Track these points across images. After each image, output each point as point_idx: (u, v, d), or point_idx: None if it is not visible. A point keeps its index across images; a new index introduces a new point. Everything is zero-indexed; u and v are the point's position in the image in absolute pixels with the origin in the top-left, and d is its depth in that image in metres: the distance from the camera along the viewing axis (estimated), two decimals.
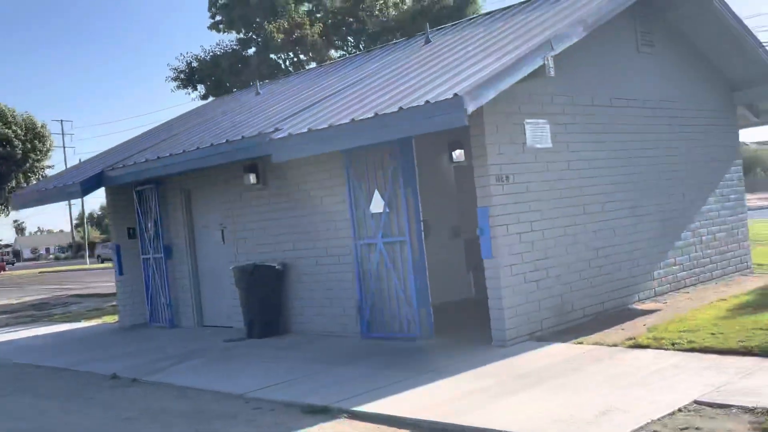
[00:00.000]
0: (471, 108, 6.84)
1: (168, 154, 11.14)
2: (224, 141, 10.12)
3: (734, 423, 5.02)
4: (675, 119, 11.34)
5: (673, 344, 7.39)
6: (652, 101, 10.89)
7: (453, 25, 13.00)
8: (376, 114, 7.58)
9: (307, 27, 26.95)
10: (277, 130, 9.15)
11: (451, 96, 6.88)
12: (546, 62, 7.64)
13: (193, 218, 12.78)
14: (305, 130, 8.40)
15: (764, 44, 12.18)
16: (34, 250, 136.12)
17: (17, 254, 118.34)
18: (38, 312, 21.29)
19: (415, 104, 7.27)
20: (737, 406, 5.29)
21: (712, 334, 7.54)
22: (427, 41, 11.64)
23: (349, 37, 30.83)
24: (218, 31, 30.33)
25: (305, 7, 29.57)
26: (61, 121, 71.19)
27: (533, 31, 8.84)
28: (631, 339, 7.86)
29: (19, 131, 38.71)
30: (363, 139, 7.89)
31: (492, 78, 7.10)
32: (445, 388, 6.82)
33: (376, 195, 9.36)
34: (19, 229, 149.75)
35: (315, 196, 10.32)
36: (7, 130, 34.95)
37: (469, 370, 7.39)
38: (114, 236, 14.54)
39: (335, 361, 8.63)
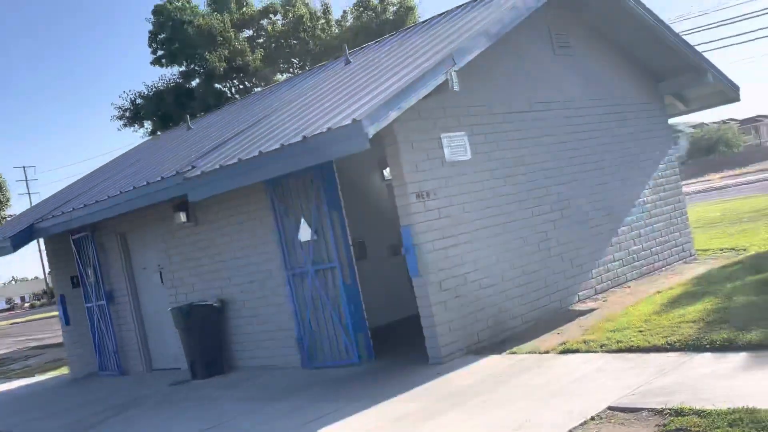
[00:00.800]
0: (372, 131, 6.80)
1: (93, 201, 10.98)
2: (145, 183, 9.98)
3: (642, 427, 5.00)
4: (601, 116, 11.43)
5: (601, 346, 7.39)
6: (575, 101, 10.96)
7: (375, 42, 13.01)
8: (282, 145, 7.52)
9: (248, 54, 26.87)
10: (192, 168, 9.04)
11: (350, 122, 6.83)
12: (449, 77, 7.62)
13: (132, 261, 12.59)
14: (217, 166, 8.30)
15: (681, 34, 12.33)
16: (8, 300, 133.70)
17: None
18: None
19: (317, 132, 7.22)
20: (647, 408, 5.27)
21: (640, 331, 7.54)
22: (347, 62, 11.61)
23: (293, 59, 30.80)
24: (161, 65, 30.14)
25: (245, 33, 29.50)
26: (24, 167, 70.41)
27: (438, 46, 8.85)
28: (563, 344, 7.84)
29: None
30: (272, 171, 7.82)
31: (391, 99, 7.06)
32: (374, 415, 6.74)
33: (303, 223, 9.29)
34: None
35: (245, 228, 10.21)
36: None
37: (401, 393, 7.31)
38: (57, 286, 14.32)
39: (272, 397, 8.50)
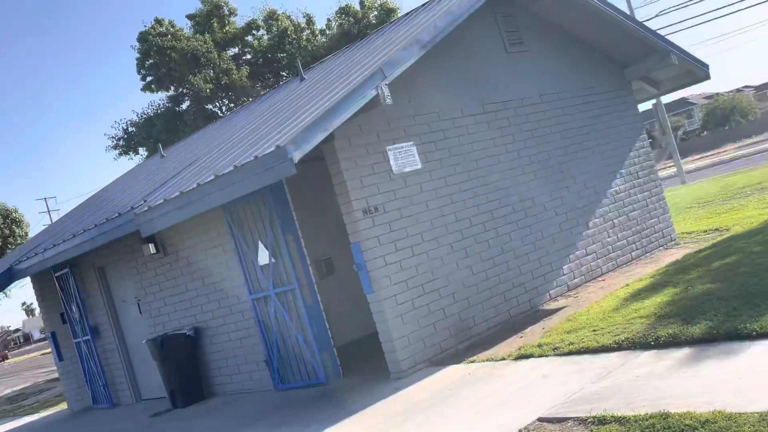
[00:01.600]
0: (297, 156, 6.76)
1: (61, 241, 11.05)
2: (104, 220, 10.02)
3: None
4: (564, 109, 11.32)
5: (554, 349, 7.30)
6: (533, 98, 10.86)
7: (333, 55, 12.98)
8: (216, 176, 7.50)
9: (234, 72, 26.97)
10: (143, 202, 9.07)
11: (274, 148, 6.81)
12: (380, 91, 7.56)
13: (112, 294, 12.66)
14: (161, 201, 8.32)
15: (639, 19, 12.16)
16: (43, 330, 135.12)
17: (27, 337, 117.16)
18: (10, 405, 21.20)
19: (246, 161, 7.19)
20: (574, 418, 5.19)
21: (594, 330, 7.45)
22: (302, 79, 11.59)
23: (282, 72, 30.86)
24: (151, 91, 30.32)
25: (231, 52, 29.60)
26: (45, 198, 71.21)
27: (376, 59, 8.79)
28: (520, 349, 7.75)
29: None
30: (212, 202, 7.79)
31: (315, 123, 7.01)
32: None
33: (261, 246, 9.27)
34: (29, 310, 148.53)
35: (209, 255, 10.22)
36: None
37: (358, 412, 7.29)
38: (47, 324, 14.43)
39: (243, 422, 8.51)
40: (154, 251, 10.89)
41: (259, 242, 9.28)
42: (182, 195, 7.91)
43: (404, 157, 8.86)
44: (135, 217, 8.70)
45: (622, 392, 5.45)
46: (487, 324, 9.23)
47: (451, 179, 9.36)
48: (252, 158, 7.07)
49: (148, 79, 29.42)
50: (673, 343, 6.31)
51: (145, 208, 8.54)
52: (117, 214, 9.71)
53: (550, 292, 10.20)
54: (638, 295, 8.54)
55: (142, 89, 30.22)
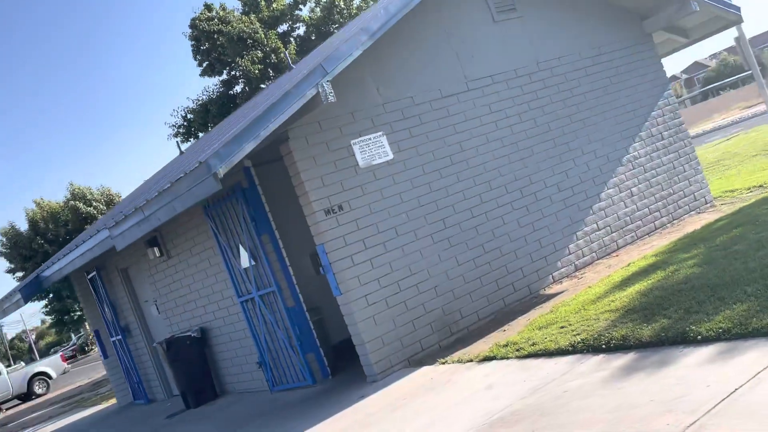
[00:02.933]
0: (223, 170, 6.53)
1: (68, 250, 11.32)
2: (96, 231, 10.18)
3: None
4: (566, 75, 10.60)
5: (517, 350, 6.89)
6: (527, 67, 10.21)
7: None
8: (159, 192, 7.40)
9: (282, 50, 26.88)
10: (116, 216, 9.12)
11: (196, 164, 6.62)
12: (320, 89, 7.21)
13: (136, 295, 12.96)
14: (122, 217, 8.32)
15: None
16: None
17: (83, 348, 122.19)
18: (78, 396, 22.42)
19: (178, 177, 7.04)
20: None
21: (562, 328, 6.97)
22: (290, 69, 11.32)
23: None
24: (209, 76, 30.67)
25: (281, 29, 29.49)
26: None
27: (315, 58, 8.43)
28: (491, 348, 7.36)
29: (100, 206, 40.17)
30: (161, 217, 7.67)
31: (243, 132, 6.74)
32: None
33: (241, 250, 9.19)
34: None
35: (203, 257, 10.25)
36: (89, 208, 36.26)
37: (324, 420, 7.13)
38: (91, 323, 14.96)
39: (237, 424, 8.57)
40: (159, 254, 11.02)
41: (240, 245, 9.19)
42: (137, 210, 7.87)
43: (372, 149, 8.50)
44: (110, 231, 8.76)
45: (538, 412, 5.04)
46: (478, 315, 8.84)
47: (430, 166, 8.93)
48: (182, 174, 6.92)
49: (204, 64, 29.75)
50: (623, 346, 5.80)
51: (113, 224, 8.59)
52: (97, 232, 9.84)
53: (554, 274, 9.66)
54: (628, 281, 7.93)
55: (200, 75, 30.62)
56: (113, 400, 16.62)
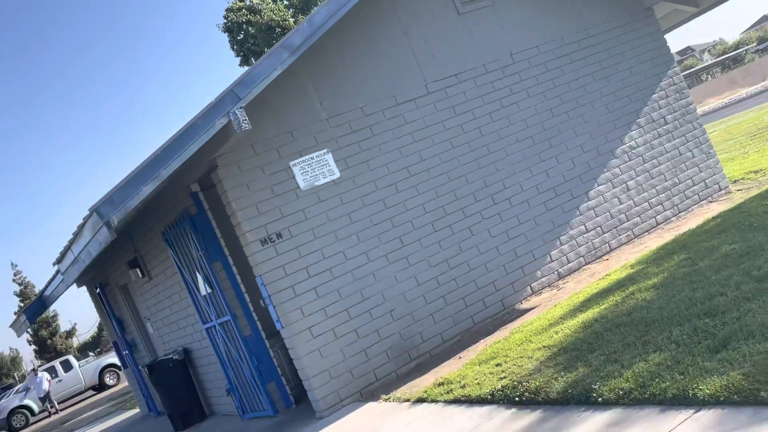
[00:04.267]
0: (117, 218, 6.21)
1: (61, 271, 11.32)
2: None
3: None
4: (545, 65, 9.82)
5: (448, 392, 6.37)
6: (499, 60, 9.49)
7: None
8: (69, 242, 7.15)
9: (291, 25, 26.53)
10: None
11: (88, 212, 6.32)
12: (233, 117, 6.77)
13: (138, 311, 12.95)
14: (59, 255, 8.16)
15: None
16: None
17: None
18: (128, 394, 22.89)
19: (80, 225, 6.76)
20: None
21: (497, 365, 6.39)
22: None
23: None
24: (248, 64, 30.66)
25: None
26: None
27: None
28: (426, 389, 6.82)
29: None
30: (85, 260, 7.45)
31: (138, 174, 6.38)
32: None
33: (198, 276, 8.92)
34: None
35: (174, 280, 10.05)
36: None
37: None
38: (108, 334, 15.13)
39: None
40: (141, 275, 10.91)
41: (197, 272, 8.92)
42: (68, 251, 7.68)
43: (316, 169, 8.04)
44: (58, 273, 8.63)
45: None
46: (441, 337, 8.31)
47: (384, 180, 8.40)
48: (88, 212, 6.61)
49: (240, 56, 29.75)
50: (533, 401, 5.23)
51: (56, 267, 8.45)
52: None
53: (533, 285, 9.01)
54: (588, 302, 7.25)
55: (239, 65, 30.70)
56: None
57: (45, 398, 26.17)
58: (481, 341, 7.84)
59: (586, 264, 9.44)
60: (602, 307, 6.68)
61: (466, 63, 9.24)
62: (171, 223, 8.97)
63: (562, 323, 6.78)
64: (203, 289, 8.91)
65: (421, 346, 8.19)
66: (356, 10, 8.55)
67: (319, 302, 7.76)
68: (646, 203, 10.11)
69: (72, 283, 8.40)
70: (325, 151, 8.14)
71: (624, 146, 10.13)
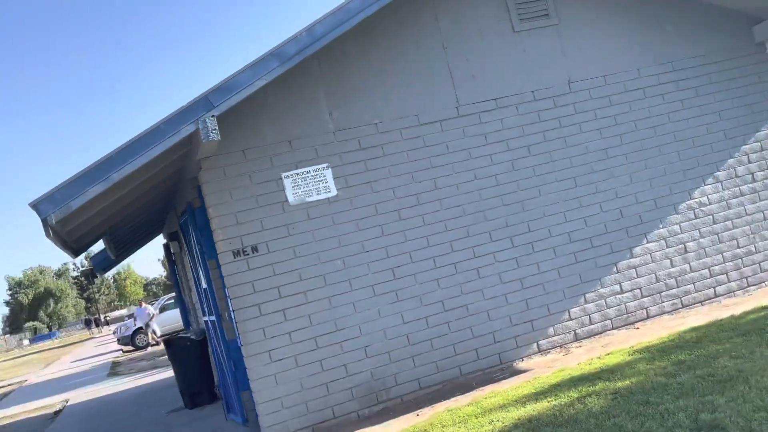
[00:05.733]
0: (56, 217, 5.98)
1: None
2: None
3: None
4: (610, 98, 8.65)
5: None
6: (553, 88, 8.45)
7: None
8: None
9: None
10: None
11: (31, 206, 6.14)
12: (201, 126, 6.35)
13: (185, 280, 13.08)
14: None
15: None
16: None
17: None
18: None
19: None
20: None
21: None
22: None
23: None
24: None
25: None
26: None
27: None
28: None
29: None
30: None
31: (90, 172, 6.11)
32: None
33: (200, 270, 8.73)
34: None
35: (188, 265, 9.93)
36: None
37: None
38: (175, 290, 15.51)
39: None
40: (179, 248, 10.94)
41: (198, 265, 8.73)
42: None
43: (310, 184, 7.50)
44: None
45: None
46: (419, 383, 7.61)
47: (387, 206, 7.72)
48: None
49: None
50: None
51: None
52: None
53: (541, 342, 8.05)
54: (546, 392, 6.27)
55: None
56: None
57: (146, 327, 27.77)
58: (453, 399, 7.07)
59: (613, 329, 8.31)
60: (550, 404, 5.74)
61: (511, 87, 8.27)
62: (182, 211, 8.79)
63: (508, 410, 5.91)
64: (203, 282, 8.70)
65: (393, 390, 7.54)
66: (389, 15, 7.85)
67: (286, 325, 7.30)
68: (707, 270, 8.73)
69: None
70: (325, 165, 7.57)
71: (692, 201, 8.77)
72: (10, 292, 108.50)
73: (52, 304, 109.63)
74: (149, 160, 6.30)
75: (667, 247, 8.63)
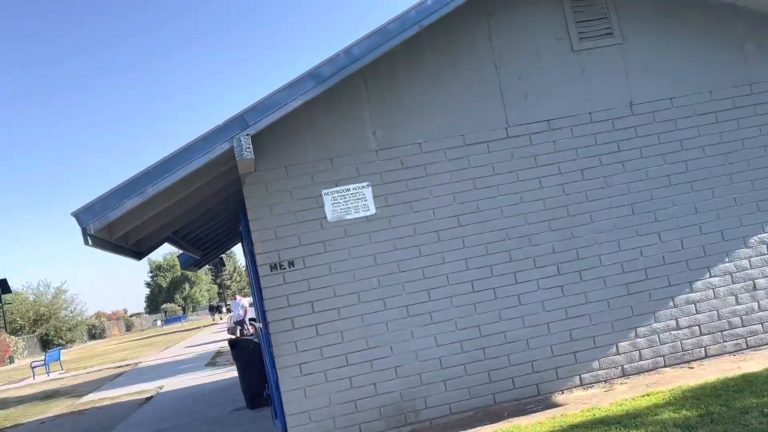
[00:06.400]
0: (95, 227, 6.33)
1: None
2: None
3: None
4: (676, 122, 8.17)
5: None
6: (614, 110, 8.09)
7: None
8: None
9: None
10: None
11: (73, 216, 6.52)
12: (236, 144, 6.55)
13: None
14: None
15: None
16: None
17: None
18: None
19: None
20: None
21: None
22: None
23: None
24: None
25: None
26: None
27: None
28: None
29: None
30: None
31: (128, 185, 6.42)
32: None
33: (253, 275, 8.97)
34: None
35: None
36: None
37: None
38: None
39: None
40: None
41: (251, 273, 8.98)
42: None
43: (349, 202, 7.56)
44: None
45: None
46: (450, 408, 7.50)
47: (426, 226, 7.65)
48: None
49: None
50: None
51: None
52: None
53: (583, 375, 7.73)
54: (567, 431, 6.01)
55: None
56: None
57: (241, 322, 28.68)
58: (479, 428, 6.92)
59: (665, 366, 7.85)
60: None
61: (566, 108, 7.98)
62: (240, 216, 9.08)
63: None
64: (255, 290, 8.95)
65: (423, 413, 7.46)
66: (440, 34, 7.78)
67: (318, 340, 7.39)
68: None
69: None
70: (365, 184, 7.60)
71: (764, 235, 8.14)
72: (150, 274, 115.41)
73: (187, 288, 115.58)
74: (186, 175, 6.55)
75: (733, 282, 8.05)
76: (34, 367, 29.36)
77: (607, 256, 7.88)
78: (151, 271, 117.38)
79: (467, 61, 7.88)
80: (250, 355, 10.86)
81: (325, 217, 7.52)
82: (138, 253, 8.93)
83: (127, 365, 27.56)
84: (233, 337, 28.95)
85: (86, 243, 6.43)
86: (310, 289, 7.43)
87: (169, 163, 6.54)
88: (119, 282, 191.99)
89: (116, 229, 7.13)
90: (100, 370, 27.60)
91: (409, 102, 7.74)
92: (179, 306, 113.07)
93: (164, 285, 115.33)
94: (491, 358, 7.62)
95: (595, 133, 8.01)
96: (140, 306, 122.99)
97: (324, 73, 6.84)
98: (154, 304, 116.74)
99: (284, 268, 7.41)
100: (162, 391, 16.28)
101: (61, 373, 29.14)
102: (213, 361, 22.25)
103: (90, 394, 18.49)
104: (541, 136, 7.92)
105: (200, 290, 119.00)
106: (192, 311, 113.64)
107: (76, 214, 6.40)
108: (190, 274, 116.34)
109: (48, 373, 29.45)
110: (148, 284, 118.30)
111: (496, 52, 7.94)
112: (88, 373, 27.10)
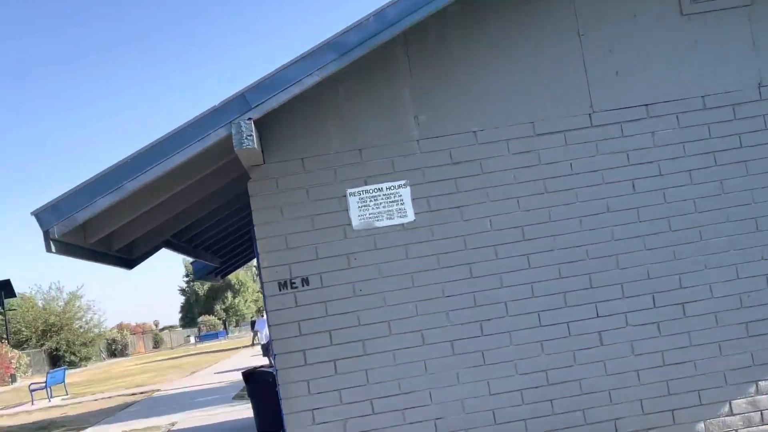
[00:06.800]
0: (60, 230, 6.32)
1: None
2: None
3: None
4: None
5: None
6: (732, 94, 7.72)
7: None
8: None
9: None
10: None
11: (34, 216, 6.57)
12: (234, 131, 6.47)
13: None
14: None
15: None
16: None
17: None
18: None
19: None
20: None
21: None
22: None
23: None
24: None
25: None
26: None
27: None
28: None
29: None
30: None
31: (98, 181, 6.41)
32: None
33: None
34: None
35: None
36: None
37: None
38: None
39: None
40: None
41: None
42: None
43: (381, 205, 7.42)
44: None
45: None
46: None
47: (480, 239, 7.44)
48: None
49: None
50: None
51: None
52: None
53: (709, 421, 7.40)
54: None
55: None
56: None
57: (267, 345, 28.96)
58: None
59: None
60: None
61: (671, 90, 7.64)
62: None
63: None
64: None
65: None
66: None
67: (336, 381, 7.29)
68: None
69: None
70: (403, 182, 7.45)
71: None
72: (186, 279, 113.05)
73: (229, 297, 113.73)
74: (173, 168, 6.52)
75: None
76: (33, 390, 30.39)
77: (720, 285, 7.51)
78: (187, 275, 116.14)
79: (540, 26, 7.63)
80: (269, 390, 10.87)
81: (350, 224, 7.40)
82: (128, 261, 9.04)
83: (142, 393, 28.25)
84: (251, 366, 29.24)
85: (48, 250, 6.48)
86: (328, 315, 7.33)
87: (152, 153, 6.52)
88: (152, 288, 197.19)
89: (92, 231, 7.20)
90: (110, 397, 28.38)
91: (463, 79, 7.54)
92: (219, 319, 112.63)
93: (202, 292, 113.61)
94: (561, 413, 7.37)
95: (709, 123, 7.64)
96: (174, 318, 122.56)
97: (349, 42, 6.70)
98: (189, 315, 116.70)
99: (296, 287, 7.33)
100: (174, 429, 16.55)
101: (64, 399, 30.13)
102: (242, 393, 22.51)
103: (89, 429, 18.98)
104: (637, 126, 7.60)
105: (245, 300, 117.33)
106: (235, 326, 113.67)
107: (37, 214, 6.46)
108: (233, 279, 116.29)
109: (49, 398, 30.48)
110: (183, 291, 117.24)
111: (579, 16, 7.66)
112: (95, 400, 27.92)
